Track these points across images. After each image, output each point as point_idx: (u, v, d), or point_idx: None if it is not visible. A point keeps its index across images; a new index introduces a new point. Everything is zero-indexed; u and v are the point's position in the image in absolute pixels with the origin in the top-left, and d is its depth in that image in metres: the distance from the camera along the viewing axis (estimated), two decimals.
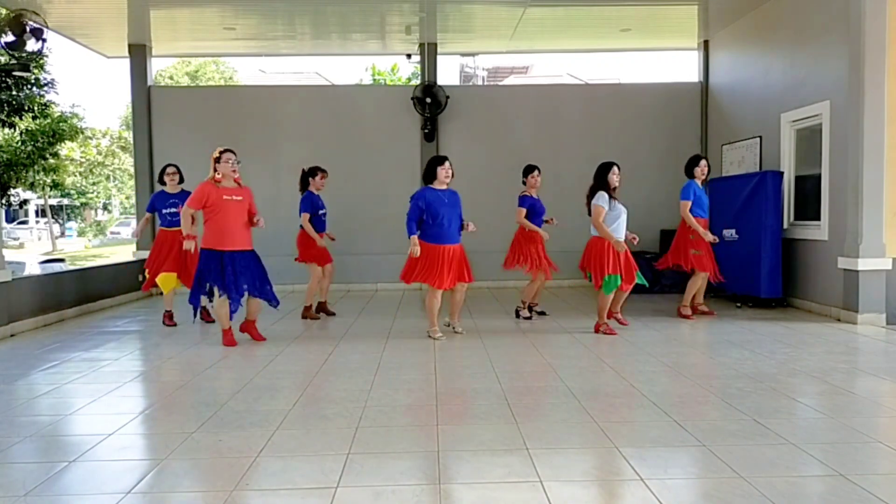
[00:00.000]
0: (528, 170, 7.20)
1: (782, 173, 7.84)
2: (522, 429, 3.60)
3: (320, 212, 7.35)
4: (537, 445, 3.34)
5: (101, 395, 4.46)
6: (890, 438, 3.46)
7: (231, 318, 5.87)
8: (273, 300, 5.91)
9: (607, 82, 17.44)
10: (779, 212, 7.68)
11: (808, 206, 7.71)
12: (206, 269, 5.72)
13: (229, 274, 5.67)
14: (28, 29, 7.69)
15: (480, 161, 10.16)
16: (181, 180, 7.17)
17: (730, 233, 8.15)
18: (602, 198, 6.07)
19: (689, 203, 6.93)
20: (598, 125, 10.46)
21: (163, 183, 7.16)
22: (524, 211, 7.03)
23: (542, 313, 7.51)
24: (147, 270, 7.06)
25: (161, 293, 7.30)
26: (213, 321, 6.97)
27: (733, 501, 2.70)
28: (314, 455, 3.28)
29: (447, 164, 6.07)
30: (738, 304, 7.98)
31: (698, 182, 7.07)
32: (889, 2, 6.56)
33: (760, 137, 8.59)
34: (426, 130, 10.18)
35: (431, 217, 5.91)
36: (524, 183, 7.22)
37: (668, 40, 10.70)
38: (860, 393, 4.29)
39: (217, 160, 5.73)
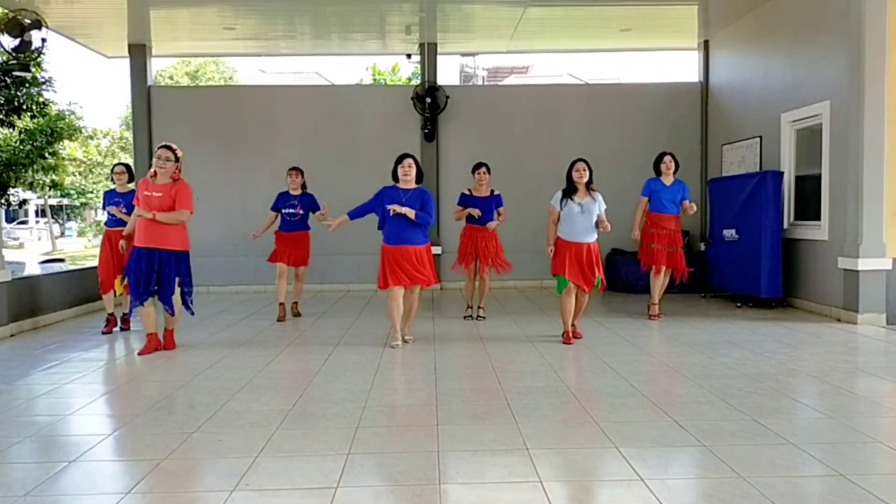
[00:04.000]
0: (474, 167, 7.18)
1: (782, 173, 7.84)
2: (522, 429, 3.60)
3: (283, 210, 7.32)
4: (537, 445, 3.34)
5: (101, 395, 4.46)
6: (890, 438, 3.46)
7: (130, 315, 5.81)
8: (169, 306, 5.59)
9: (607, 82, 17.44)
10: (779, 212, 7.68)
11: (808, 206, 7.71)
12: (128, 264, 5.62)
13: (132, 271, 5.47)
14: (28, 28, 7.68)
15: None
16: (130, 179, 6.88)
17: (730, 233, 8.15)
18: (554, 197, 6.00)
19: (644, 199, 7.14)
20: (598, 125, 10.46)
21: (113, 182, 6.89)
22: (458, 209, 7.11)
23: (469, 316, 7.36)
24: (99, 275, 6.73)
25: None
26: (110, 332, 6.69)
27: (733, 501, 2.70)
28: (314, 455, 3.28)
29: (405, 161, 5.76)
30: (738, 304, 7.98)
31: (663, 178, 7.11)
32: (889, 2, 6.56)
33: (760, 137, 8.59)
34: (426, 130, 10.17)
35: (383, 215, 5.73)
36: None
37: (668, 40, 10.70)
38: (860, 393, 4.29)
39: (153, 155, 5.59)
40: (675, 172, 7.15)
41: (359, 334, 6.53)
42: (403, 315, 5.94)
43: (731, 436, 3.46)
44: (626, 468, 3.06)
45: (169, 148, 5.53)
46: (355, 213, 5.83)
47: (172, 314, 5.68)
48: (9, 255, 13.95)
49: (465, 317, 7.35)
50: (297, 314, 7.69)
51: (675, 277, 7.24)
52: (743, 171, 8.83)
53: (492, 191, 7.09)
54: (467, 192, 7.11)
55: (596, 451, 3.30)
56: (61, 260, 16.93)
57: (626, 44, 10.95)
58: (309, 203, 7.35)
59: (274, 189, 10.16)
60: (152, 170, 5.52)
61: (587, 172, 5.87)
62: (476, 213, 6.92)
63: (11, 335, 6.68)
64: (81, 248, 31.22)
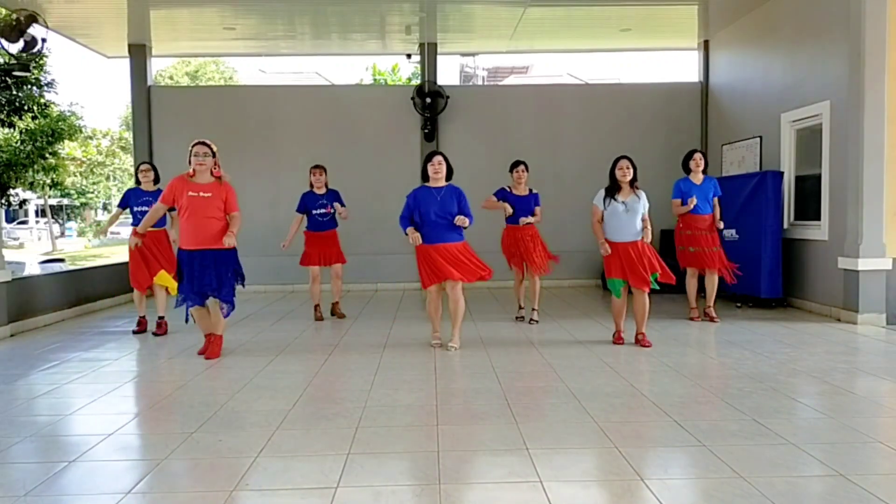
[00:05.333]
0: (512, 165, 7.04)
1: (782, 173, 7.84)
2: (522, 429, 3.60)
3: (314, 211, 7.23)
4: (537, 445, 3.34)
5: (101, 395, 4.46)
6: (890, 438, 3.46)
7: (187, 321, 5.52)
8: (228, 303, 5.45)
9: (607, 82, 17.45)
10: (779, 212, 7.68)
11: (808, 206, 7.71)
12: (179, 269, 5.47)
13: (186, 275, 5.35)
14: (28, 29, 7.68)
15: (480, 161, 10.15)
16: (157, 179, 6.79)
17: (730, 233, 8.14)
18: (597, 196, 5.86)
19: (677, 201, 6.93)
20: (598, 125, 10.46)
21: (138, 181, 6.82)
22: (491, 199, 6.90)
23: (520, 318, 7.21)
24: (131, 276, 6.63)
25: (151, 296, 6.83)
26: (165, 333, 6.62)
27: (733, 501, 2.70)
28: (314, 455, 3.28)
29: (435, 159, 5.71)
30: (738, 304, 7.98)
31: (692, 177, 6.92)
32: (889, 2, 6.56)
33: (760, 137, 8.60)
34: (426, 130, 10.18)
35: (419, 216, 5.67)
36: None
37: (668, 40, 10.70)
38: (860, 393, 4.29)
39: (189, 153, 5.39)
40: (704, 170, 6.95)
41: (359, 334, 6.53)
42: (450, 318, 5.85)
43: (731, 436, 3.46)
44: (626, 468, 3.06)
45: (205, 143, 5.38)
46: (404, 226, 5.69)
47: (233, 308, 5.51)
48: (9, 255, 13.94)
49: (516, 318, 7.20)
50: (341, 315, 7.53)
51: (724, 277, 6.97)
52: (743, 171, 8.83)
53: (530, 189, 6.98)
54: (507, 189, 6.96)
55: (596, 451, 3.30)
56: (61, 260, 16.94)
57: (626, 44, 10.95)
58: (336, 200, 7.29)
59: (273, 189, 10.26)
60: (191, 168, 5.35)
61: (631, 170, 5.73)
62: (509, 210, 6.72)
63: (11, 335, 6.68)
64: (81, 248, 31.22)
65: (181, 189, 5.33)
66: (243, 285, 5.63)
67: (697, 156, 6.92)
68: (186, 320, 5.50)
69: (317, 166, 7.36)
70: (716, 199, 6.97)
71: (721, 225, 6.94)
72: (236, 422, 3.80)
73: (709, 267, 6.90)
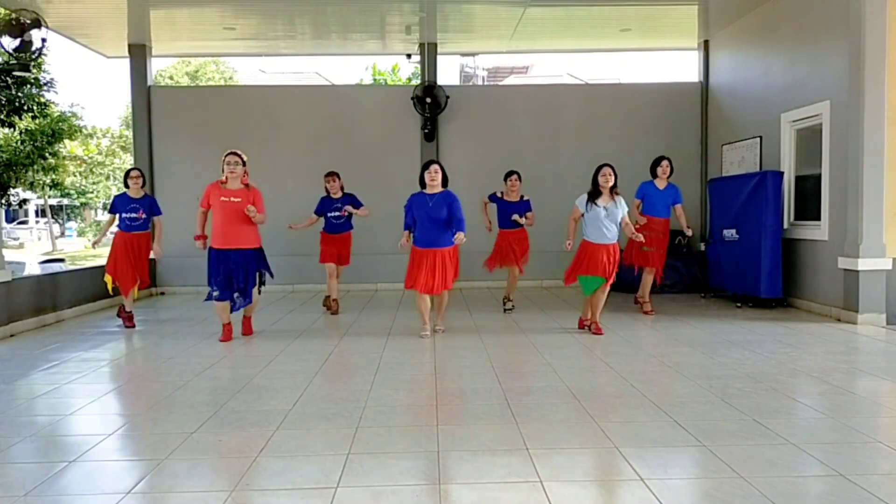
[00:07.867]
0: (506, 175, 7.59)
1: (782, 173, 7.84)
2: (522, 429, 3.60)
3: (329, 214, 7.58)
4: (537, 445, 3.34)
5: (101, 395, 4.46)
6: (890, 438, 3.46)
7: (232, 311, 6.14)
8: (248, 298, 6.10)
9: (607, 82, 17.44)
10: (779, 212, 7.68)
11: (808, 206, 7.71)
12: (208, 265, 6.00)
13: (221, 272, 5.92)
14: (28, 28, 7.67)
15: (480, 161, 10.15)
16: (144, 184, 7.13)
17: (730, 233, 8.15)
18: (580, 199, 6.28)
19: (637, 201, 7.41)
20: (598, 125, 10.45)
21: (127, 186, 7.04)
22: (485, 200, 7.62)
23: (507, 309, 7.81)
24: (110, 276, 7.03)
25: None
26: (133, 326, 7.01)
27: (733, 501, 2.70)
28: (314, 455, 3.28)
29: (431, 167, 6.14)
30: (738, 304, 7.98)
31: (657, 182, 7.38)
32: (889, 2, 6.56)
33: (760, 137, 8.59)
34: (426, 130, 10.17)
35: (415, 221, 6.10)
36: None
37: (668, 40, 10.70)
38: (860, 393, 4.29)
39: (222, 162, 5.98)
40: (669, 177, 7.40)
41: (359, 334, 6.53)
42: (434, 308, 6.36)
43: (731, 436, 3.46)
44: (626, 468, 3.06)
45: (236, 154, 5.96)
46: (407, 227, 6.21)
47: (250, 303, 6.18)
48: (9, 255, 13.96)
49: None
50: (335, 311, 7.85)
51: (655, 279, 7.52)
52: (743, 171, 8.83)
53: (521, 196, 7.54)
54: (499, 195, 7.55)
55: (596, 451, 3.30)
56: (61, 260, 16.93)
57: (626, 44, 10.94)
58: (352, 203, 7.63)
59: (273, 189, 10.18)
60: (223, 176, 5.95)
61: (612, 177, 6.13)
62: (488, 226, 7.49)
63: (11, 335, 6.68)
64: (81, 248, 31.21)
65: (214, 194, 5.95)
66: (272, 276, 6.29)
67: (665, 163, 7.40)
68: (208, 298, 6.07)
69: (330, 173, 7.71)
70: (679, 206, 7.43)
71: (690, 232, 7.52)
72: (236, 422, 3.80)
73: (651, 265, 7.39)
